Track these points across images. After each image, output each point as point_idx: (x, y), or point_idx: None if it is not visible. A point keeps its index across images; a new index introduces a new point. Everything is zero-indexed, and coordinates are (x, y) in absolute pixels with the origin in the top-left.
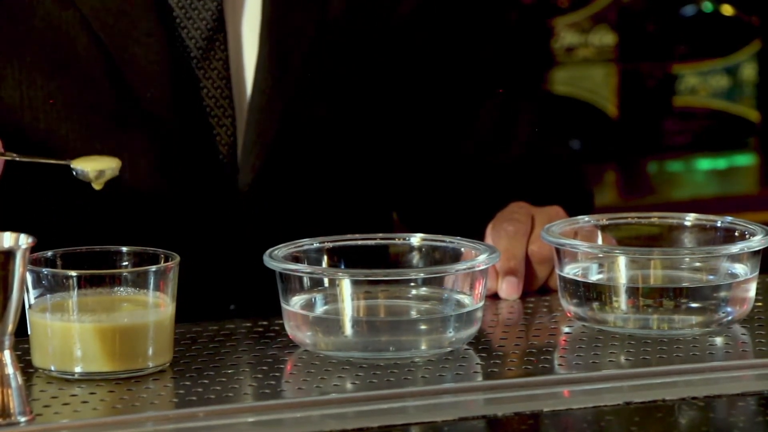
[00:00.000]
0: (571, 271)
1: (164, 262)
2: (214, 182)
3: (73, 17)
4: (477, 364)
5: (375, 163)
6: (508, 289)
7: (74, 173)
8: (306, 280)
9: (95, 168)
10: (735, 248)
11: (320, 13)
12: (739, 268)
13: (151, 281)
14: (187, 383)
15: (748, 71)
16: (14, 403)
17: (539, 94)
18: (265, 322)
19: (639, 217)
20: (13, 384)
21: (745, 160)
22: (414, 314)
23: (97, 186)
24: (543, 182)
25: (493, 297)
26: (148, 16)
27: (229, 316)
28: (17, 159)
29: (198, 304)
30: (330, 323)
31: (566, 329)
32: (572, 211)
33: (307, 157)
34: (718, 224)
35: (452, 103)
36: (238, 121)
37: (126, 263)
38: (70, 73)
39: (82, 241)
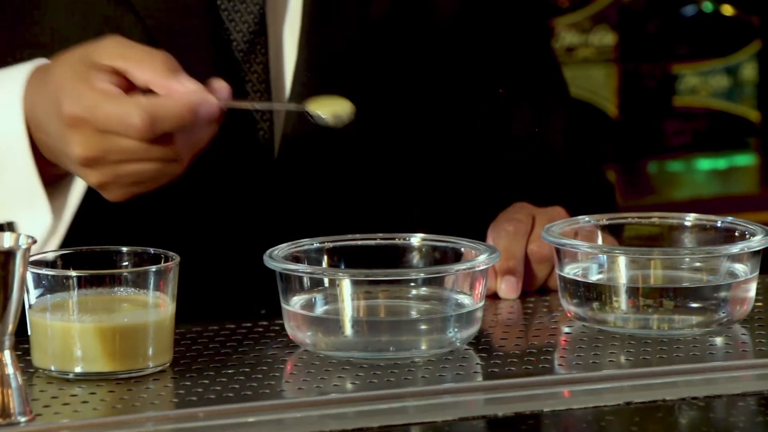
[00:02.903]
0: (571, 271)
1: (164, 262)
2: (247, 185)
3: (126, 13)
4: (477, 364)
5: (405, 165)
6: (507, 288)
7: (309, 117)
8: (306, 280)
9: (332, 112)
10: (735, 248)
11: (361, 20)
12: (740, 268)
13: (152, 281)
14: (188, 383)
15: (749, 71)
16: (14, 403)
17: (571, 100)
18: (265, 322)
19: (639, 217)
20: (13, 384)
21: (745, 160)
22: (414, 314)
23: (332, 124)
24: (568, 187)
25: (493, 297)
26: (196, 14)
27: (229, 316)
28: (256, 107)
29: (198, 304)
30: (330, 323)
31: (566, 329)
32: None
33: (338, 160)
34: (719, 224)
35: (486, 108)
36: (275, 124)
37: (126, 263)
38: None
39: (85, 239)
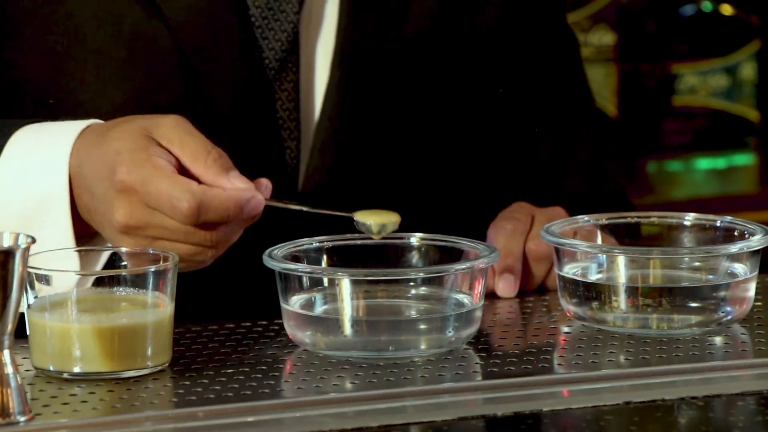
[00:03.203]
0: (570, 270)
1: (163, 262)
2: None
3: (159, 27)
4: (476, 363)
5: (406, 164)
6: (505, 287)
7: (355, 225)
8: (305, 280)
9: (378, 222)
10: (734, 248)
11: (396, 41)
12: (739, 268)
13: (150, 281)
14: (187, 383)
15: (748, 71)
16: (13, 402)
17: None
18: (264, 322)
19: (638, 217)
20: (13, 383)
21: (744, 159)
22: (413, 314)
23: (376, 237)
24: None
25: (492, 296)
26: (229, 30)
27: (228, 316)
28: (305, 210)
29: (197, 304)
30: (329, 323)
31: (566, 329)
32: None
33: (364, 179)
34: (718, 224)
35: (517, 125)
36: (303, 143)
37: (125, 263)
38: (147, 79)
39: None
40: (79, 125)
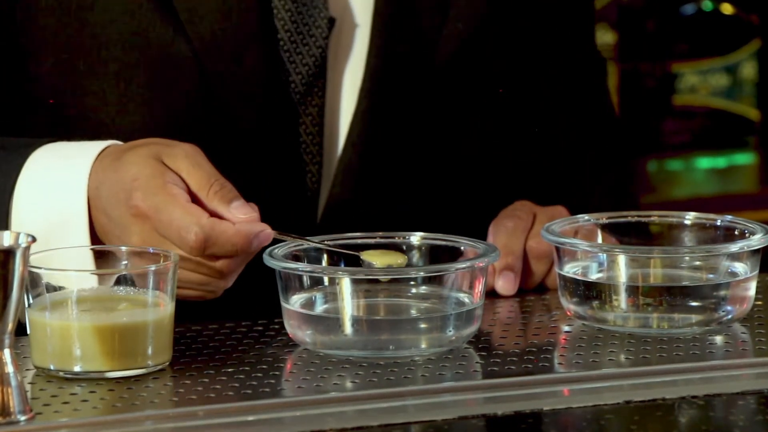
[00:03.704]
0: (570, 269)
1: (163, 261)
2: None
3: (184, 49)
4: (477, 362)
5: (440, 183)
6: (505, 284)
7: (362, 264)
8: (306, 279)
9: (384, 262)
10: (735, 247)
11: (426, 71)
12: (739, 267)
13: (151, 280)
14: (187, 382)
15: (748, 70)
16: (14, 401)
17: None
18: (264, 321)
19: (639, 216)
20: (13, 383)
21: (744, 158)
22: (414, 313)
23: (383, 280)
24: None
25: (492, 295)
26: (255, 54)
27: (228, 315)
28: (312, 244)
29: (197, 303)
30: (330, 322)
31: (566, 328)
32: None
33: (384, 205)
34: (718, 223)
35: (544, 145)
36: (324, 168)
37: (125, 262)
38: (169, 101)
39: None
40: (98, 146)
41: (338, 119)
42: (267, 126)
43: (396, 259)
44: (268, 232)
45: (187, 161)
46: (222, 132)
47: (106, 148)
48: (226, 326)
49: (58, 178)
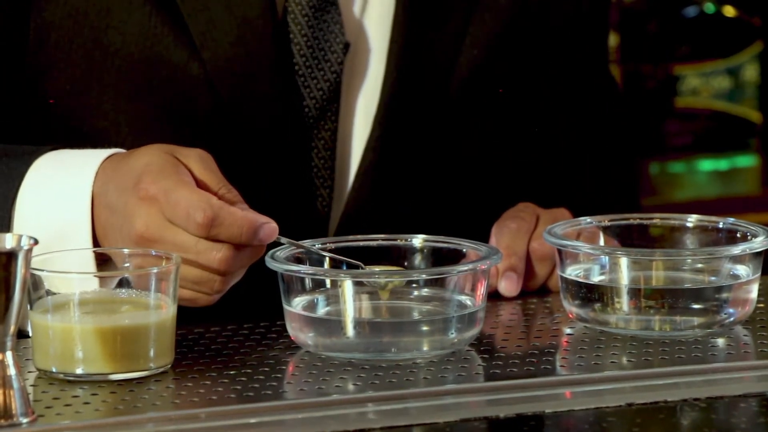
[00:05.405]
0: (573, 272)
1: (165, 263)
2: (258, 187)
3: (197, 72)
4: (479, 365)
5: (448, 194)
6: (508, 285)
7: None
8: (308, 281)
9: (386, 277)
10: (737, 249)
11: (441, 98)
12: (741, 270)
13: (153, 282)
14: (189, 384)
15: (750, 72)
16: (16, 404)
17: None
18: (266, 323)
19: (641, 219)
20: (15, 385)
21: (746, 161)
22: (416, 315)
23: (384, 295)
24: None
25: (494, 297)
26: (269, 79)
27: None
28: (313, 249)
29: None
30: (332, 324)
31: (568, 330)
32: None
33: (394, 230)
34: (720, 225)
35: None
36: (335, 192)
37: (127, 264)
38: (181, 123)
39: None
40: (102, 154)
41: (351, 144)
42: (279, 149)
43: (398, 275)
44: (273, 225)
45: (200, 163)
46: (234, 154)
47: (110, 155)
48: (228, 328)
49: (62, 186)
